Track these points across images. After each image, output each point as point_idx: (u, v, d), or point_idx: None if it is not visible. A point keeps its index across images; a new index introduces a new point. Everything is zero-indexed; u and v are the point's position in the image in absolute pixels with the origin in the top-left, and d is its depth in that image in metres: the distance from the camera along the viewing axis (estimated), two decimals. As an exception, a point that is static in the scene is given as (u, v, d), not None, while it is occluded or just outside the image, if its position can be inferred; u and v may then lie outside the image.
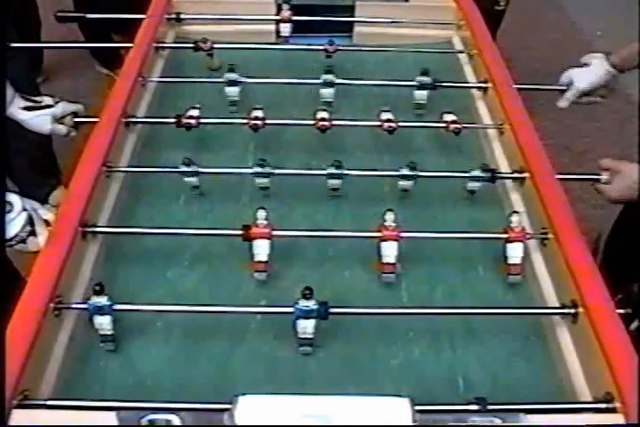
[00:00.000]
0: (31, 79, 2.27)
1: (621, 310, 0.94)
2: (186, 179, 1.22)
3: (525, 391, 0.95)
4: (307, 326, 0.96)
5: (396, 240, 1.07)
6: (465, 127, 1.35)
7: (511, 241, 1.10)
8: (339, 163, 1.21)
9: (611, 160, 1.17)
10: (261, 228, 1.06)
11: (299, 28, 1.70)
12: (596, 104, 1.48)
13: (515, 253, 1.10)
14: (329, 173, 1.22)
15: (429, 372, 0.98)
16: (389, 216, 1.08)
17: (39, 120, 1.24)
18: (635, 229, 1.58)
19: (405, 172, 1.21)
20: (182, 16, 1.69)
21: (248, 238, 1.06)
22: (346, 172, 1.21)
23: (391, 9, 1.73)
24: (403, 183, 1.24)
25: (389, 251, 1.07)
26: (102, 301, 0.95)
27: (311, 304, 0.95)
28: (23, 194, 2.45)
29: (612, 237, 1.75)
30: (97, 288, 0.95)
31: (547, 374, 0.99)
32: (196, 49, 1.54)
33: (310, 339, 0.97)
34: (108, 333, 0.97)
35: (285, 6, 1.66)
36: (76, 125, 1.30)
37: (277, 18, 1.68)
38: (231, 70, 1.44)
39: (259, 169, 1.20)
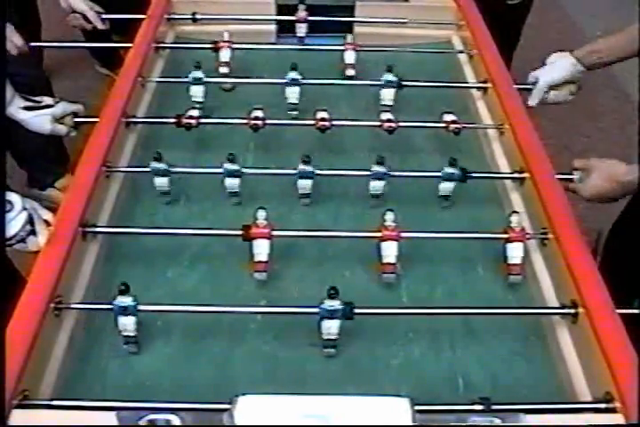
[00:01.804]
0: (44, 76, 2.29)
1: (621, 311, 0.94)
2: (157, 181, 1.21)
3: (525, 391, 0.95)
4: (331, 327, 0.95)
5: (396, 240, 1.07)
6: (465, 127, 1.35)
7: (511, 241, 1.10)
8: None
9: (582, 160, 1.18)
10: (261, 228, 1.06)
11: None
12: (566, 103, 1.47)
13: (515, 253, 1.10)
14: (299, 174, 1.20)
15: (429, 372, 0.98)
16: (389, 216, 1.08)
17: (39, 120, 1.25)
18: (635, 228, 1.58)
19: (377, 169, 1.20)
20: (178, 16, 1.69)
21: (248, 238, 1.06)
22: (318, 172, 1.20)
23: (391, 9, 1.73)
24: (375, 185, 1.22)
25: (389, 251, 1.07)
26: (127, 301, 0.94)
27: (336, 304, 0.94)
28: (32, 179, 2.49)
29: (613, 236, 1.75)
30: (122, 288, 0.94)
31: (547, 374, 0.99)
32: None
33: (334, 340, 0.97)
34: (132, 334, 0.96)
35: (301, 6, 1.66)
36: (76, 125, 1.30)
37: (293, 18, 1.67)
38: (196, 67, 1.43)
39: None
